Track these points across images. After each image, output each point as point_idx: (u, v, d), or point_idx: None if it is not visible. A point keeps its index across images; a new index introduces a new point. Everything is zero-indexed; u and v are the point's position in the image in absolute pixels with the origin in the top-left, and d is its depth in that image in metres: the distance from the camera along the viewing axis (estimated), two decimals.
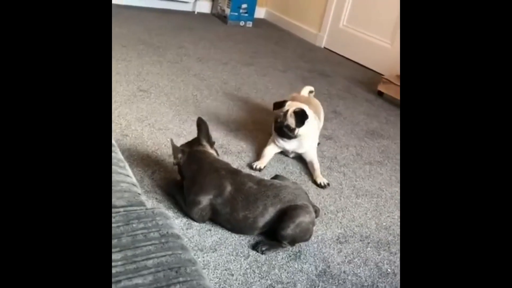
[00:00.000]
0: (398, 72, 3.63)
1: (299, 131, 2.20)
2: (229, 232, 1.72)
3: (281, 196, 1.68)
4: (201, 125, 1.86)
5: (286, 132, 2.21)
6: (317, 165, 2.26)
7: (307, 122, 2.19)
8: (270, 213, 1.66)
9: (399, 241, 1.88)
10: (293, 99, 2.42)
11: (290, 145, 2.27)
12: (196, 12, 4.83)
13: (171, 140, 1.79)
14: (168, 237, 0.79)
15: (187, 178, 1.76)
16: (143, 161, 2.06)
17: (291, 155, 2.34)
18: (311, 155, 2.29)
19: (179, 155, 1.78)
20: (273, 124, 2.29)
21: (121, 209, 0.84)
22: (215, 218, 1.72)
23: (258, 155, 2.29)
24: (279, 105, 2.26)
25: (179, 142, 2.29)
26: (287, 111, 2.19)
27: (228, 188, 1.68)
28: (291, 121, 2.18)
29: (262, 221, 1.66)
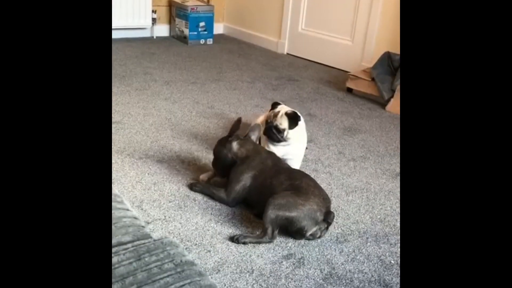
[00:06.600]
0: (364, 67, 3.70)
1: (288, 134, 2.13)
2: (229, 250, 1.70)
3: (292, 175, 1.91)
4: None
5: (274, 134, 2.12)
6: None
7: (298, 126, 2.14)
8: (283, 180, 1.88)
9: (396, 231, 1.90)
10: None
11: (279, 150, 2.15)
12: (155, 37, 4.81)
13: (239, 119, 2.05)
14: (183, 266, 0.76)
15: (240, 159, 2.00)
16: (130, 193, 2.02)
17: None
18: (296, 163, 2.22)
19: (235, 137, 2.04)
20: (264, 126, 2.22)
21: (129, 245, 0.81)
22: (248, 193, 1.95)
23: None
24: (274, 105, 2.23)
25: (164, 171, 2.27)
26: (279, 112, 2.14)
27: (269, 161, 1.98)
28: (281, 121, 2.11)
29: (277, 190, 1.85)
